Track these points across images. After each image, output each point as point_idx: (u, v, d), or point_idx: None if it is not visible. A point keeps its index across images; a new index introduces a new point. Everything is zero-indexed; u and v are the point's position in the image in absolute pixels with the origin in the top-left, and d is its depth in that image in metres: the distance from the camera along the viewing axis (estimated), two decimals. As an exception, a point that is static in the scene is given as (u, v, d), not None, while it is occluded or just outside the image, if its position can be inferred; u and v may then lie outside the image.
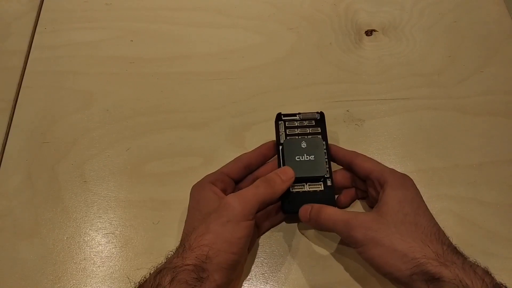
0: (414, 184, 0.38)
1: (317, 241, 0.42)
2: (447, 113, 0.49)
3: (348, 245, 0.41)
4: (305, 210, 0.39)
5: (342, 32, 0.55)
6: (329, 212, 0.38)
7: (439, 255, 0.32)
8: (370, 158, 0.41)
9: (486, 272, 0.32)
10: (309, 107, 0.44)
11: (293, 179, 0.39)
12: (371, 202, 0.42)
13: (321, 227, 0.39)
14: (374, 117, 0.49)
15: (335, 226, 0.37)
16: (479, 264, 0.33)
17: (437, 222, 0.36)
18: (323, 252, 0.42)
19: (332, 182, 0.41)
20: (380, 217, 0.35)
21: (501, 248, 0.42)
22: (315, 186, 0.41)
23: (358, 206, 0.44)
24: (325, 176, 0.41)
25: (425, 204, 0.37)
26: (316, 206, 0.39)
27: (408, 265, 0.33)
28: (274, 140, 0.43)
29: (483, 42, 0.53)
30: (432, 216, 0.36)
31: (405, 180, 0.38)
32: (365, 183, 0.41)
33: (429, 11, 0.56)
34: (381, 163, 0.40)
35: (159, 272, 0.33)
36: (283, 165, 0.41)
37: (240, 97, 0.51)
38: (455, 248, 0.34)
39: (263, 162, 0.43)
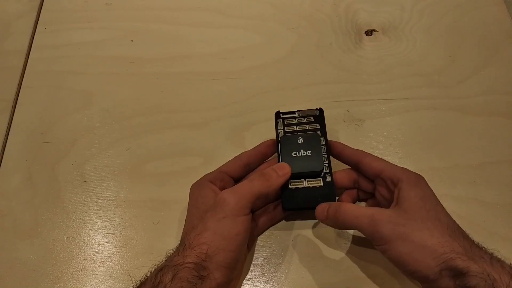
0: (427, 182, 0.38)
1: (317, 241, 0.42)
2: (447, 113, 0.49)
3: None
4: (322, 208, 0.38)
5: (342, 32, 0.55)
6: (350, 208, 0.36)
7: (467, 249, 0.32)
8: (379, 157, 0.40)
9: None
10: (309, 107, 0.44)
11: (289, 174, 0.39)
12: (377, 204, 0.42)
13: (342, 224, 0.37)
14: (374, 117, 0.49)
15: (358, 222, 0.35)
16: (505, 260, 0.32)
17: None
18: (323, 252, 0.42)
19: (331, 177, 0.41)
20: (405, 213, 0.34)
21: (501, 248, 0.42)
22: (314, 182, 0.41)
23: (358, 206, 0.44)
24: (324, 171, 0.41)
25: (441, 203, 0.36)
26: (334, 203, 0.38)
27: (437, 261, 0.32)
28: (273, 139, 0.43)
29: (483, 42, 0.53)
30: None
31: (420, 178, 0.38)
32: (372, 183, 0.41)
33: (429, 11, 0.56)
34: (390, 162, 0.39)
35: (160, 270, 0.33)
36: (281, 161, 0.41)
37: (240, 97, 0.51)
38: (479, 244, 0.34)
39: (262, 160, 0.43)
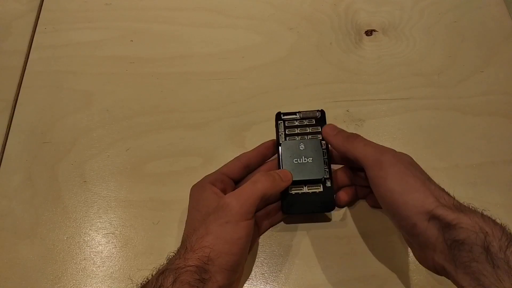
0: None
1: (317, 241, 0.42)
2: (447, 113, 0.49)
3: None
4: (331, 127, 0.40)
5: (342, 32, 0.55)
6: (363, 140, 0.38)
7: (457, 206, 0.32)
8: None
9: (504, 227, 0.30)
10: (309, 107, 0.44)
11: (290, 182, 0.40)
12: (373, 201, 0.42)
13: (347, 148, 0.38)
14: (374, 117, 0.49)
15: (364, 149, 0.37)
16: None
17: None
18: (323, 252, 0.42)
19: (331, 183, 0.41)
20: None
21: (501, 248, 0.42)
22: (314, 187, 0.41)
23: (359, 206, 0.44)
24: (325, 177, 0.41)
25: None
26: (347, 133, 0.39)
27: (427, 208, 0.31)
28: (273, 139, 0.43)
29: (483, 42, 0.53)
30: None
31: (403, 155, 0.37)
32: (365, 177, 0.40)
33: (429, 11, 0.56)
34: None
35: (161, 273, 0.33)
36: (281, 167, 0.41)
37: (240, 97, 0.51)
38: (469, 204, 0.33)
39: (262, 161, 0.43)
